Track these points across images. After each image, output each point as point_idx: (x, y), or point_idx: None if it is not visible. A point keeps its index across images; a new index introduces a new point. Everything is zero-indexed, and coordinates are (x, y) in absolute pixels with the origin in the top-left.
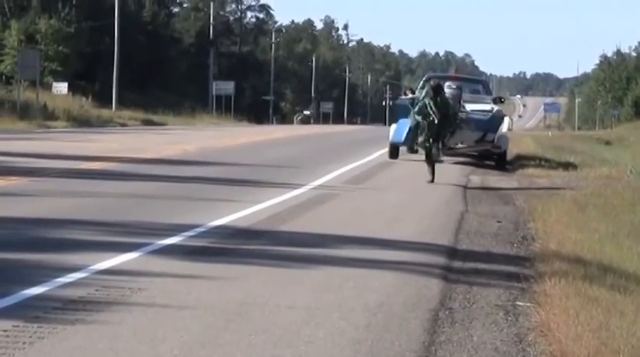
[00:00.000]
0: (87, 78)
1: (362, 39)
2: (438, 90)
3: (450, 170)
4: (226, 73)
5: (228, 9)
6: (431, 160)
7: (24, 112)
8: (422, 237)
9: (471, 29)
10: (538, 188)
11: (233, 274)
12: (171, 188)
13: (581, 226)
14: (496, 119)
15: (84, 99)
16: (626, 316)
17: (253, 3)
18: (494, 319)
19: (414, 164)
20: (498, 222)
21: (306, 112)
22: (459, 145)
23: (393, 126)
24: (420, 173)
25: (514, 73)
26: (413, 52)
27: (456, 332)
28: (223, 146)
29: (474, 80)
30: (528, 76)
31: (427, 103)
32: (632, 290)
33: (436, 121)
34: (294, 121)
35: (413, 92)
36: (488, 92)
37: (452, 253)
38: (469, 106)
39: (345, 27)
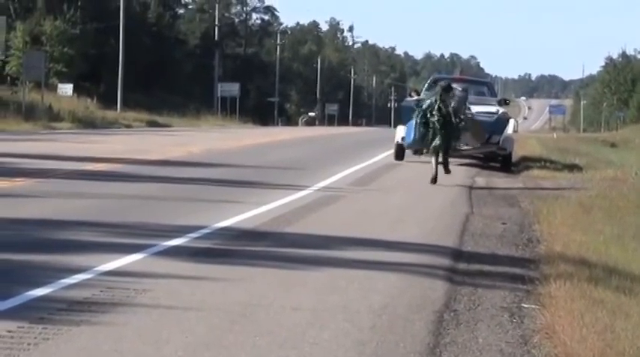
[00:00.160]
0: (92, 79)
1: (367, 41)
2: (448, 90)
3: (455, 172)
4: (231, 74)
5: (233, 11)
6: (437, 161)
7: (29, 113)
8: (427, 239)
9: (476, 31)
10: (543, 188)
11: (238, 275)
12: (176, 189)
13: (587, 228)
14: (501, 121)
15: (89, 100)
16: (631, 317)
17: (258, 5)
18: (500, 321)
19: (419, 166)
20: (503, 224)
21: (311, 114)
22: (465, 147)
23: (399, 127)
24: (425, 175)
25: (519, 75)
26: (418, 54)
27: (460, 334)
28: (228, 148)
29: (479, 82)
30: (533, 78)
31: (431, 104)
32: (638, 292)
33: (445, 122)
34: (299, 123)
35: (418, 94)
36: (493, 94)
37: (457, 254)
38: (474, 108)
39: (351, 29)
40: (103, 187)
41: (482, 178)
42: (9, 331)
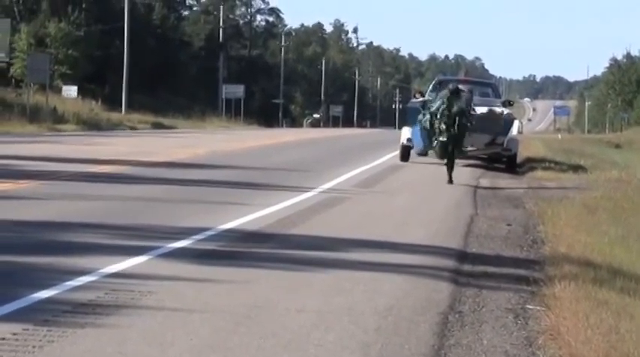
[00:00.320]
0: (96, 81)
1: (372, 42)
2: (456, 93)
3: (460, 173)
4: (236, 76)
5: (237, 12)
6: (450, 162)
7: (34, 115)
8: (431, 240)
9: (481, 32)
10: (548, 189)
11: (242, 277)
12: (180, 191)
13: (591, 229)
14: (506, 122)
15: (93, 102)
16: (636, 319)
17: (263, 6)
18: (504, 323)
19: (423, 167)
20: (508, 225)
21: (316, 116)
22: (470, 148)
23: (405, 129)
24: (429, 176)
25: (524, 77)
26: (423, 56)
27: (465, 335)
28: (233, 150)
29: (484, 83)
30: (538, 80)
31: (442, 105)
32: None
33: (453, 125)
34: (304, 125)
35: (422, 95)
36: (498, 95)
37: (461, 256)
38: (479, 109)
39: (355, 30)
40: (107, 189)
41: (487, 180)
42: (14, 334)
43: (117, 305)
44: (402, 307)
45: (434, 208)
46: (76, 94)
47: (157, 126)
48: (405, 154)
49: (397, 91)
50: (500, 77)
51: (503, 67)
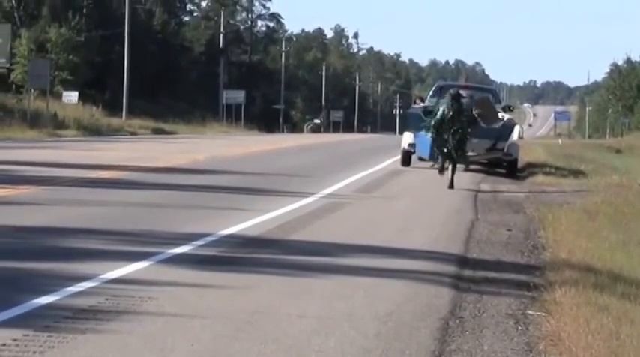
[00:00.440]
0: (97, 87)
1: (372, 48)
2: (457, 98)
3: (460, 178)
4: (236, 81)
5: (238, 18)
6: (453, 168)
7: (34, 121)
8: (432, 245)
9: (482, 38)
10: (549, 195)
11: (243, 283)
12: (181, 197)
13: (592, 234)
14: (507, 128)
15: (94, 108)
16: (636, 324)
17: (263, 12)
18: (505, 328)
19: (424, 172)
20: (508, 230)
21: (317, 121)
22: (471, 154)
23: (406, 134)
24: (430, 181)
25: (524, 82)
26: (423, 61)
27: (466, 341)
28: (233, 155)
29: (484, 89)
30: (539, 85)
31: (444, 110)
32: None
33: (457, 129)
34: (305, 130)
35: (423, 101)
36: (498, 101)
37: (462, 261)
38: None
39: (356, 36)
40: (108, 194)
41: (488, 185)
42: (14, 339)
43: (118, 311)
44: (403, 313)
45: (434, 213)
46: (76, 99)
47: (158, 131)
48: (407, 159)
49: (398, 96)
50: (500, 82)
51: (503, 72)
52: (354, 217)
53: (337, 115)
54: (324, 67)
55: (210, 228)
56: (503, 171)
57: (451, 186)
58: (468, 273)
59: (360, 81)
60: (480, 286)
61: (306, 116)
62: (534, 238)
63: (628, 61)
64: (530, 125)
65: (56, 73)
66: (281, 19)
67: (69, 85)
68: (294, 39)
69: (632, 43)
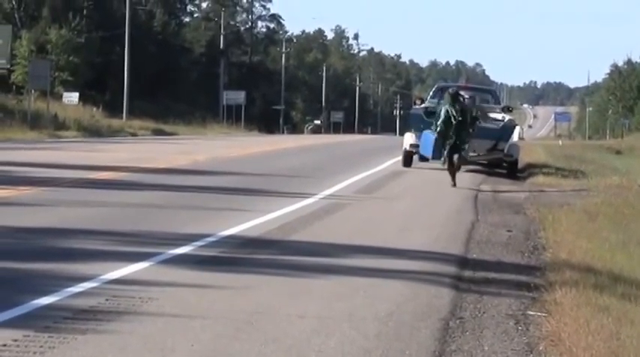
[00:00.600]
0: (97, 88)
1: (372, 48)
2: (456, 97)
3: (461, 179)
4: (237, 82)
5: (238, 19)
6: (453, 167)
7: (35, 122)
8: (432, 246)
9: (482, 39)
10: (549, 195)
11: (243, 283)
12: (181, 198)
13: (592, 235)
14: (508, 128)
15: (94, 109)
16: (636, 325)
17: (264, 13)
18: (505, 329)
19: (425, 173)
20: (509, 231)
21: (317, 122)
22: (471, 154)
23: (407, 135)
24: (430, 182)
25: (525, 83)
26: (423, 62)
27: (466, 341)
28: (234, 156)
29: (484, 90)
30: (539, 86)
31: (447, 110)
32: None
33: (456, 128)
34: (305, 131)
35: (423, 102)
36: (497, 102)
37: (462, 262)
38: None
39: (356, 36)
40: (108, 195)
41: (488, 185)
42: (15, 340)
43: (118, 311)
44: (403, 313)
45: (435, 213)
46: (76, 100)
47: (158, 132)
48: (408, 159)
49: (398, 97)
50: (501, 83)
51: (504, 73)
52: (354, 217)
53: (337, 116)
54: (324, 68)
55: (211, 229)
56: (503, 171)
57: (454, 184)
58: (469, 273)
59: (360, 82)
60: (480, 287)
61: (307, 117)
62: (535, 239)
63: (628, 62)
64: (530, 126)
65: (56, 74)
66: (281, 20)
67: (69, 86)
68: (295, 40)
69: (633, 43)
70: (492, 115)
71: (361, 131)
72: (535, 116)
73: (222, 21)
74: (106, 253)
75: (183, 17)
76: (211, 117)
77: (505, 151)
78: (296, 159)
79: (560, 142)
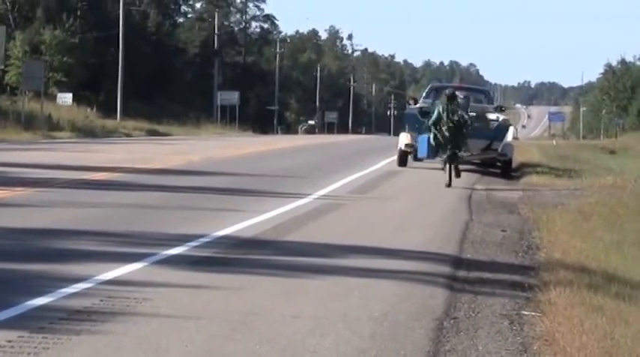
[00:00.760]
0: (91, 88)
1: (366, 49)
2: (452, 98)
3: (455, 179)
4: (231, 83)
5: (232, 19)
6: (449, 166)
7: (29, 122)
8: (427, 246)
9: (476, 39)
10: (543, 195)
11: (238, 284)
12: (175, 198)
13: (586, 235)
14: (502, 128)
15: (88, 109)
16: (631, 325)
17: (258, 13)
18: (499, 329)
19: (419, 173)
20: (503, 231)
21: (311, 122)
22: (466, 154)
23: (402, 134)
24: (425, 182)
25: (519, 83)
26: (417, 62)
27: (460, 341)
28: (228, 156)
29: (477, 90)
30: (533, 86)
31: (440, 111)
32: (637, 299)
33: (452, 128)
34: (299, 131)
35: (416, 102)
36: (490, 102)
37: (457, 262)
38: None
39: (350, 37)
40: (102, 196)
41: (483, 185)
42: (9, 341)
43: (112, 312)
44: (398, 313)
45: (429, 214)
46: (71, 101)
47: (152, 133)
48: (403, 159)
49: (392, 97)
50: (495, 83)
51: (497, 73)
52: (348, 217)
53: (331, 116)
54: (318, 69)
55: (205, 229)
56: (497, 171)
57: (449, 185)
58: (463, 274)
59: (354, 82)
60: (474, 287)
61: (301, 117)
62: (529, 239)
63: (622, 61)
64: (524, 126)
65: (50, 74)
66: (275, 21)
67: (63, 87)
68: (289, 40)
69: (627, 43)
70: (488, 115)
71: (355, 131)
72: (529, 116)
73: (216, 21)
74: (101, 253)
75: (177, 18)
76: (205, 117)
77: (499, 150)
78: (290, 159)
79: (554, 142)
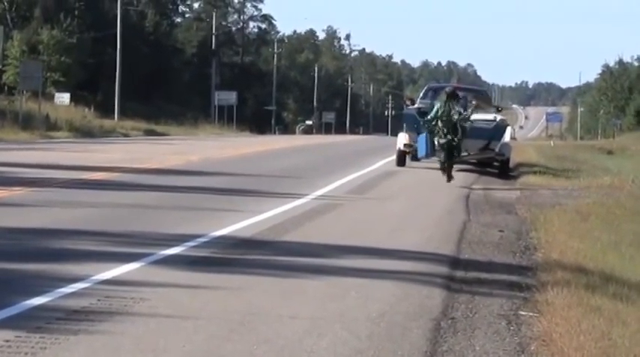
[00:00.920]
0: (89, 88)
1: (364, 49)
2: (452, 97)
3: (453, 179)
4: (228, 83)
5: (230, 19)
6: (448, 164)
7: (26, 122)
8: (424, 246)
9: (474, 39)
10: (540, 196)
11: (235, 284)
12: (173, 198)
13: (584, 235)
14: (500, 128)
15: (86, 109)
16: (628, 325)
17: (255, 13)
18: (497, 329)
19: (417, 173)
20: (500, 231)
21: (309, 122)
22: (463, 153)
23: (401, 134)
24: (422, 182)
25: (516, 83)
26: (415, 62)
27: (458, 342)
28: (226, 156)
29: (474, 90)
30: (531, 86)
31: (437, 109)
32: (635, 299)
33: (453, 128)
34: (297, 132)
35: (413, 102)
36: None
37: (454, 262)
38: (473, 116)
39: (348, 37)
40: (100, 196)
41: (480, 185)
42: (6, 341)
43: (110, 312)
44: (395, 314)
45: (426, 214)
46: (68, 101)
47: (150, 133)
48: (401, 159)
49: (390, 97)
50: (492, 84)
51: (495, 73)
52: (346, 218)
53: (329, 117)
54: (316, 69)
55: (203, 229)
56: (495, 171)
57: (448, 180)
58: (460, 274)
59: (352, 82)
60: (472, 287)
61: (298, 118)
62: (526, 239)
63: (620, 62)
64: (521, 127)
65: (48, 74)
66: (273, 21)
67: (61, 87)
68: (286, 40)
69: (624, 44)
70: (484, 115)
71: (353, 132)
72: (526, 117)
73: (213, 21)
74: (98, 253)
75: (174, 18)
76: (203, 117)
77: (497, 150)
78: (288, 159)
79: (551, 143)
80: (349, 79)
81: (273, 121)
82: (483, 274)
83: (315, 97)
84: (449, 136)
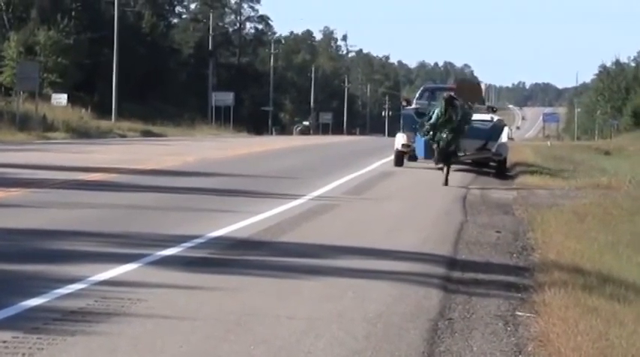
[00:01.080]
0: (86, 89)
1: (361, 50)
2: (450, 102)
3: (450, 180)
4: (225, 83)
5: (227, 20)
6: (446, 165)
7: (23, 123)
8: (421, 247)
9: (470, 40)
10: (537, 196)
11: (232, 284)
12: (170, 199)
13: (581, 235)
14: (497, 128)
15: (83, 110)
16: (625, 325)
17: (252, 14)
18: (494, 329)
19: (414, 173)
20: (497, 232)
21: (306, 123)
22: (461, 154)
23: (399, 135)
24: (419, 182)
25: (513, 84)
26: (412, 63)
27: (455, 342)
28: (223, 157)
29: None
30: (527, 87)
31: (438, 114)
32: (632, 300)
33: (452, 131)
34: (294, 132)
35: (409, 103)
36: (482, 102)
37: (451, 263)
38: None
39: (344, 38)
40: (97, 196)
41: (477, 186)
42: (3, 342)
43: (107, 313)
44: (392, 314)
45: (423, 215)
46: (65, 102)
47: (147, 134)
48: (399, 159)
49: (387, 98)
50: (489, 84)
51: (492, 74)
52: (343, 218)
53: (326, 117)
54: (312, 69)
55: (200, 230)
56: (492, 171)
57: (446, 183)
58: (457, 274)
59: (349, 83)
60: (469, 288)
61: (295, 118)
62: (523, 240)
63: (617, 62)
64: (518, 128)
65: (45, 75)
66: (270, 22)
67: (58, 88)
68: (283, 41)
69: (621, 44)
70: (481, 115)
71: (350, 132)
72: (523, 118)
73: (210, 22)
74: (95, 254)
75: (171, 19)
76: (200, 118)
77: (494, 150)
78: (285, 160)
79: (548, 143)
80: (346, 80)
81: (270, 122)
82: (480, 274)
83: (312, 97)
84: (450, 144)
